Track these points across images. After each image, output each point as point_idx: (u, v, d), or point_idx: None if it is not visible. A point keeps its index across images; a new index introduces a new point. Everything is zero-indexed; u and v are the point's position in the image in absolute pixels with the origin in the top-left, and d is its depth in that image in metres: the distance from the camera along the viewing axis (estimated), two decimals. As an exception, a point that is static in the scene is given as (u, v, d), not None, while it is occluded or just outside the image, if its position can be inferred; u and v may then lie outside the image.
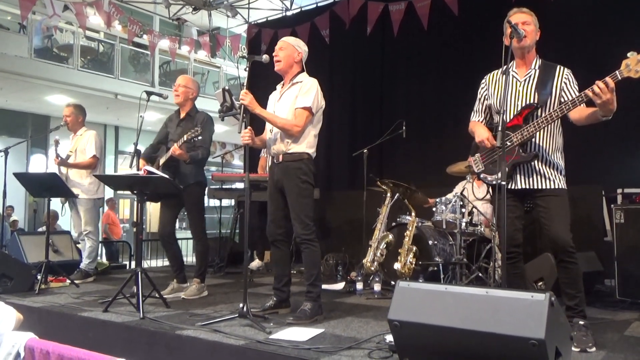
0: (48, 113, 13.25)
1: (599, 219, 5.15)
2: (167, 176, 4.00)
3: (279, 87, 3.89)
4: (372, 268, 4.81)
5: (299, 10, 8.60)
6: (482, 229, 4.97)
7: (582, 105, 2.93)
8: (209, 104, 11.41)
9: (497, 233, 4.22)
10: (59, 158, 5.49)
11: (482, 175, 3.35)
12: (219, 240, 6.96)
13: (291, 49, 3.74)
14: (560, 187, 3.09)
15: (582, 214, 4.98)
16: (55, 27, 10.47)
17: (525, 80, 3.17)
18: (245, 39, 9.56)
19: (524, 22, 3.09)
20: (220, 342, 2.96)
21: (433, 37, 6.70)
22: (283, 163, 3.67)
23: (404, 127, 5.87)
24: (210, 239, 7.81)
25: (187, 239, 6.61)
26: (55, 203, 5.66)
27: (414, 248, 4.72)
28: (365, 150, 6.00)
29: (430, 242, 4.83)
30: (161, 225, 4.68)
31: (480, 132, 3.24)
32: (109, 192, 10.39)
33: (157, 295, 4.00)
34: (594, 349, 2.85)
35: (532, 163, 3.10)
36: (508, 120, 3.12)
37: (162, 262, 9.55)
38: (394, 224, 5.16)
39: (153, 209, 13.84)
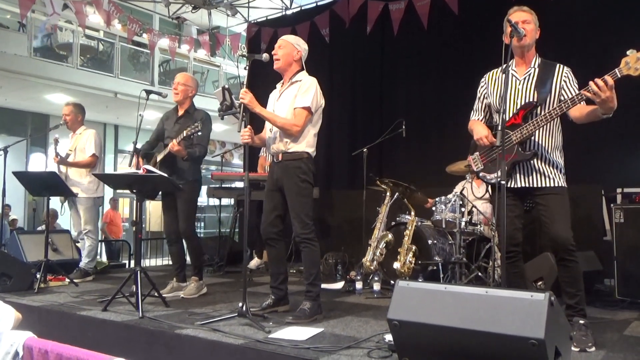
0: (47, 112, 13.24)
1: (598, 218, 5.15)
2: (166, 175, 3.99)
3: (278, 85, 3.89)
4: (372, 267, 4.81)
5: (298, 9, 8.60)
6: (481, 229, 4.97)
7: (581, 103, 2.93)
8: (208, 103, 11.40)
9: (496, 232, 4.22)
10: (59, 157, 5.48)
11: (481, 174, 3.35)
12: (219, 239, 6.95)
13: (290, 47, 3.73)
14: (560, 185, 3.09)
15: (582, 213, 4.98)
16: (55, 26, 10.44)
17: (524, 78, 3.16)
18: (245, 37, 9.55)
19: (524, 21, 3.08)
20: (219, 342, 2.96)
21: (433, 36, 6.69)
22: (282, 162, 3.67)
23: (403, 127, 5.86)
24: (209, 238, 7.86)
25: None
26: (55, 202, 5.65)
27: (414, 247, 4.72)
28: (365, 150, 5.99)
29: (429, 242, 4.83)
30: (166, 224, 4.67)
31: (478, 130, 3.24)
32: (109, 192, 10.40)
33: (156, 294, 4.00)
34: (593, 348, 2.85)
35: (532, 161, 3.09)
36: (507, 119, 3.12)
37: (162, 261, 9.57)
38: (393, 223, 5.16)
39: (153, 208, 13.87)
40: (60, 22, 11.28)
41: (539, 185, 3.09)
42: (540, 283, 4.37)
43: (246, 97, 3.48)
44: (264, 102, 3.75)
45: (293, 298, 3.91)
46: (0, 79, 10.84)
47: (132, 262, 6.55)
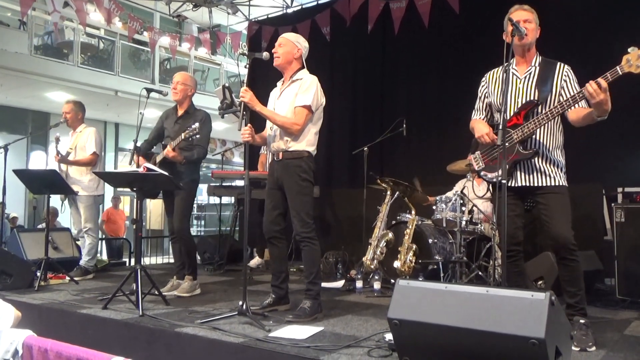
0: (48, 110, 13.23)
1: (599, 217, 5.15)
2: (166, 173, 3.99)
3: (279, 84, 3.88)
4: (372, 266, 4.81)
5: (299, 7, 8.59)
6: (482, 228, 4.97)
7: (578, 105, 2.93)
8: (209, 101, 11.39)
9: (497, 231, 4.22)
10: (59, 155, 5.48)
11: (482, 173, 3.34)
12: (219, 237, 6.95)
13: (290, 45, 3.72)
14: (560, 184, 3.09)
15: (582, 212, 4.97)
16: (56, 24, 10.43)
17: (525, 77, 3.16)
18: (245, 36, 9.55)
19: (525, 20, 3.08)
20: (219, 340, 2.96)
21: (434, 35, 6.68)
22: (283, 161, 3.66)
23: (404, 125, 5.86)
24: (210, 236, 7.85)
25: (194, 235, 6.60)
26: (55, 200, 5.65)
27: (414, 246, 4.71)
28: (365, 148, 5.99)
29: (430, 241, 4.83)
30: (170, 223, 4.67)
31: (479, 128, 3.23)
32: (110, 190, 10.40)
33: (156, 292, 4.00)
34: (594, 348, 2.84)
35: (533, 160, 3.09)
36: (508, 118, 3.11)
37: (162, 260, 9.57)
38: (394, 222, 5.16)
39: (153, 207, 13.87)
40: (50, 17, 11.26)
41: (540, 184, 3.08)
42: (540, 282, 4.36)
43: (246, 95, 3.48)
44: (264, 101, 3.75)
45: (293, 297, 3.91)
46: (0, 77, 10.84)
47: (132, 260, 6.55)
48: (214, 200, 7.24)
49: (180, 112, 4.65)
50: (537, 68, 3.16)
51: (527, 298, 2.05)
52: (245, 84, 3.59)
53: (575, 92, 2.97)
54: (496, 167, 3.13)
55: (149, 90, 4.61)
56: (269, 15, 8.93)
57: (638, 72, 2.68)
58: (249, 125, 3.55)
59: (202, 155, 4.54)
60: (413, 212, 4.91)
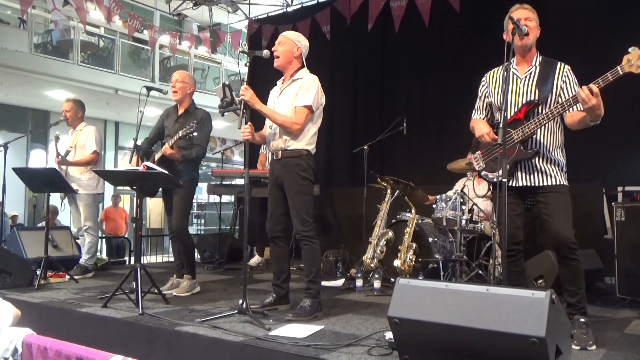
0: (48, 108, 13.23)
1: (599, 216, 5.15)
2: (166, 172, 3.98)
3: (279, 82, 3.87)
4: (372, 265, 4.80)
5: (299, 6, 8.59)
6: (482, 227, 4.96)
7: (574, 108, 2.92)
8: (209, 100, 11.39)
9: (497, 230, 4.22)
10: (59, 157, 5.47)
11: (482, 173, 3.34)
12: (219, 236, 6.95)
13: (290, 44, 3.71)
14: (561, 183, 3.08)
15: (583, 211, 4.97)
16: (56, 22, 10.42)
17: (525, 77, 3.15)
18: (245, 34, 9.54)
19: (526, 18, 3.07)
20: (219, 339, 2.96)
21: (434, 34, 6.68)
22: (282, 160, 3.66)
23: (404, 124, 5.86)
24: (210, 235, 7.85)
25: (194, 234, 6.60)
26: (55, 198, 5.65)
27: (414, 245, 4.71)
28: (365, 147, 5.98)
29: (430, 239, 4.83)
30: (170, 222, 4.67)
31: (480, 127, 3.23)
32: (109, 188, 10.39)
33: (156, 291, 4.00)
34: (594, 347, 2.84)
35: (533, 160, 3.09)
36: (509, 117, 3.11)
37: (162, 258, 9.57)
38: (394, 220, 5.16)
39: (153, 205, 13.87)
40: (56, 17, 11.26)
41: (541, 184, 3.08)
42: (540, 281, 4.36)
43: (247, 93, 3.47)
44: (264, 99, 3.74)
45: (293, 295, 3.90)
46: (0, 75, 10.83)
47: (132, 258, 6.55)
48: (214, 198, 7.23)
49: (180, 110, 4.65)
50: (538, 68, 3.15)
51: (528, 297, 2.05)
52: (245, 83, 3.59)
53: (573, 94, 2.96)
54: (497, 166, 3.13)
55: (149, 89, 4.61)
56: (269, 14, 8.92)
57: (639, 72, 2.67)
58: (249, 123, 3.54)
59: (200, 154, 4.53)
60: (413, 210, 4.91)
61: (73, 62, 11.96)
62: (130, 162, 4.52)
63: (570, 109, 2.96)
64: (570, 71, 3.11)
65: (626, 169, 5.31)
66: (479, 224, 4.97)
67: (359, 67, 7.62)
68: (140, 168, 4.20)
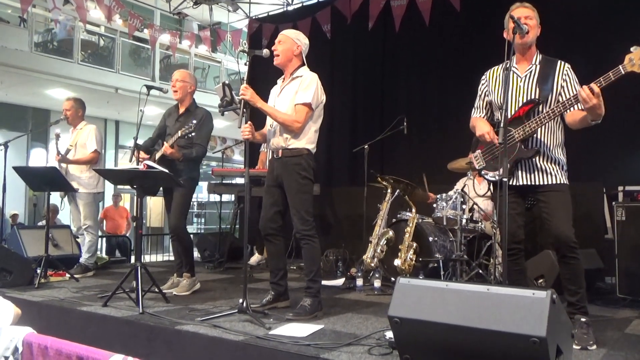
0: (48, 107, 13.24)
1: (599, 216, 5.15)
2: (166, 170, 3.98)
3: (279, 81, 3.87)
4: (372, 264, 4.80)
5: (300, 5, 8.59)
6: (482, 226, 4.96)
7: (574, 107, 2.92)
8: (209, 99, 11.39)
9: (498, 229, 4.21)
10: (60, 155, 5.47)
11: (483, 172, 3.34)
12: (219, 235, 6.95)
13: (290, 42, 3.71)
14: (561, 182, 3.08)
15: (583, 211, 4.97)
16: (56, 21, 10.43)
17: (526, 76, 3.15)
18: (246, 33, 9.53)
19: (526, 17, 3.07)
20: (219, 338, 2.95)
21: (434, 33, 6.67)
22: (282, 158, 3.66)
23: (405, 123, 5.85)
24: (210, 234, 7.85)
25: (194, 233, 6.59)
26: (55, 197, 5.65)
27: (414, 244, 4.71)
28: (366, 146, 5.98)
29: (430, 239, 4.83)
30: (169, 220, 4.68)
31: (481, 126, 3.23)
32: (110, 187, 10.39)
33: (156, 290, 4.00)
34: (594, 346, 2.84)
35: (534, 159, 3.08)
36: (509, 116, 3.11)
37: (162, 257, 9.58)
38: (394, 220, 5.15)
39: (153, 204, 13.87)
40: (61, 17, 11.25)
41: (541, 183, 3.08)
42: (541, 281, 4.36)
43: (247, 92, 3.47)
44: (264, 98, 3.74)
45: (293, 294, 3.90)
46: (0, 74, 10.83)
47: (133, 257, 6.56)
48: (215, 197, 7.22)
49: (181, 110, 4.65)
50: (538, 66, 3.15)
51: (529, 296, 2.04)
52: (245, 82, 3.58)
53: (574, 93, 2.96)
54: (497, 165, 3.13)
55: (149, 88, 4.61)
56: (270, 13, 8.92)
57: None
58: (249, 122, 3.54)
59: (201, 153, 4.52)
60: (413, 210, 4.91)
61: (73, 61, 11.96)
62: (130, 160, 4.51)
63: (571, 108, 2.95)
64: (570, 69, 3.11)
65: (627, 169, 5.31)
66: (480, 223, 4.97)
67: (359, 66, 7.61)
68: (141, 167, 4.20)
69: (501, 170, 2.77)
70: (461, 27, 6.48)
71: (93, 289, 4.60)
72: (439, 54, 6.77)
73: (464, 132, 3.63)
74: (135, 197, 4.26)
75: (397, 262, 4.64)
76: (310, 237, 3.59)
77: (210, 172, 6.82)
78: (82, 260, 5.53)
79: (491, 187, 3.70)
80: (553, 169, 3.08)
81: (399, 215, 5.16)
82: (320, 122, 3.77)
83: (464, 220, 4.84)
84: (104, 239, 10.27)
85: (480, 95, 3.40)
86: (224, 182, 6.70)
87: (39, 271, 4.80)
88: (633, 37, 2.92)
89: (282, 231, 3.80)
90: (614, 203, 4.46)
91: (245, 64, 3.74)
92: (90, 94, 11.34)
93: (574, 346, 2.73)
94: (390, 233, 4.87)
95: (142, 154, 4.50)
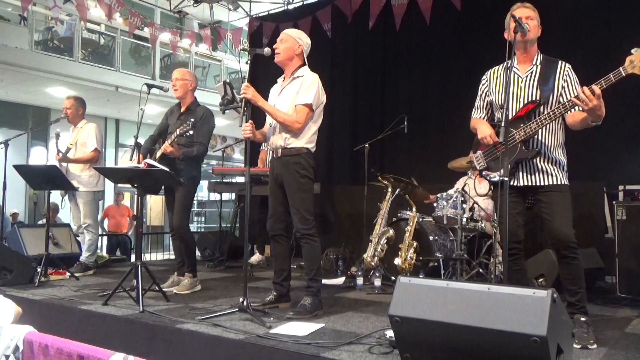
0: (48, 105, 13.24)
1: (600, 215, 5.15)
2: (167, 169, 3.98)
3: (279, 80, 3.86)
4: (373, 263, 4.80)
5: (300, 3, 8.57)
6: (482, 225, 4.96)
7: (575, 109, 2.92)
8: (209, 98, 11.38)
9: (498, 229, 4.21)
10: (60, 154, 5.47)
11: (484, 173, 3.34)
12: (220, 234, 6.95)
13: (292, 41, 3.71)
14: (562, 182, 3.08)
15: (583, 210, 4.98)
16: (56, 19, 10.42)
17: (527, 76, 3.15)
18: (246, 32, 9.53)
19: (527, 17, 3.07)
20: (220, 336, 2.95)
21: (435, 32, 6.67)
22: (282, 158, 3.65)
23: (405, 122, 5.85)
24: (210, 233, 7.85)
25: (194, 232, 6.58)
26: (56, 196, 5.65)
27: (415, 243, 4.71)
28: (366, 145, 5.98)
29: (430, 238, 4.83)
30: (171, 219, 4.67)
31: (482, 128, 3.22)
32: (110, 186, 10.39)
33: (157, 288, 4.00)
34: (595, 345, 2.84)
35: (535, 160, 3.08)
36: (510, 117, 3.10)
37: (162, 256, 9.57)
38: (394, 219, 5.16)
39: (153, 203, 13.86)
40: (61, 15, 11.25)
41: (542, 184, 3.08)
42: (541, 280, 4.36)
43: (248, 91, 3.46)
44: (265, 97, 3.74)
45: (294, 293, 3.90)
46: (1, 73, 10.83)
47: (133, 256, 6.56)
48: (215, 196, 7.22)
49: (183, 108, 4.65)
50: (539, 67, 3.15)
51: (529, 295, 2.04)
52: (246, 80, 3.58)
53: (574, 94, 2.96)
54: (498, 166, 3.13)
55: (149, 86, 4.61)
56: (270, 12, 8.91)
57: None
58: (250, 121, 3.54)
59: (201, 152, 4.52)
60: (414, 209, 4.91)
61: (74, 60, 11.96)
62: (131, 159, 4.51)
63: (572, 109, 2.95)
64: (571, 70, 3.11)
65: (627, 168, 5.31)
66: (480, 222, 4.97)
67: (359, 65, 7.61)
68: (142, 165, 4.20)
69: (502, 170, 2.77)
70: (462, 26, 6.47)
71: (93, 287, 4.60)
72: (439, 53, 6.77)
73: (465, 131, 3.63)
74: (135, 196, 4.25)
75: (397, 261, 4.64)
76: (310, 236, 3.60)
77: (211, 171, 6.82)
78: (82, 258, 5.53)
79: (491, 187, 3.70)
80: (554, 170, 3.08)
81: (399, 214, 5.17)
82: (320, 122, 3.77)
83: (465, 220, 4.84)
84: (105, 237, 10.28)
85: (480, 96, 3.40)
86: (224, 180, 6.70)
87: (39, 270, 4.80)
88: (634, 39, 2.92)
89: (289, 231, 3.80)
90: (614, 202, 4.47)
91: (247, 63, 3.75)
92: (91, 93, 11.34)
93: (575, 345, 2.73)
94: (391, 232, 4.87)
95: (140, 157, 4.50)
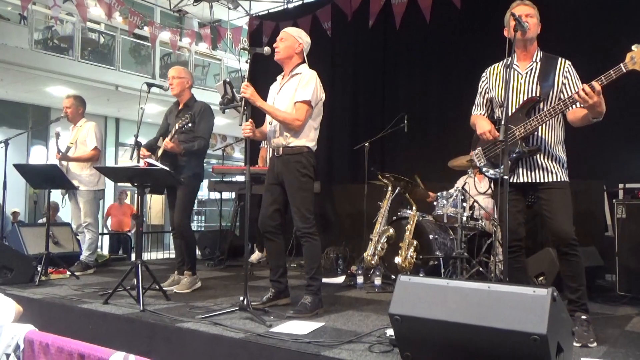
0: (48, 104, 13.23)
1: (600, 213, 5.15)
2: (167, 168, 3.98)
3: (279, 78, 3.87)
4: (373, 262, 4.80)
5: (300, 2, 8.57)
6: (483, 224, 4.96)
7: (576, 105, 2.92)
8: (209, 97, 11.37)
9: (499, 227, 4.21)
10: (60, 153, 5.47)
11: (484, 170, 3.34)
12: (220, 233, 6.95)
13: (292, 40, 3.71)
14: (562, 179, 3.09)
15: (583, 208, 4.97)
16: (56, 19, 10.41)
17: (526, 73, 3.15)
18: (246, 31, 9.52)
19: (527, 14, 3.07)
20: (220, 335, 2.96)
21: (435, 30, 6.66)
22: (283, 157, 3.66)
23: (405, 121, 5.85)
24: (210, 232, 7.86)
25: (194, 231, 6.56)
26: (56, 195, 5.65)
27: (415, 242, 4.71)
28: (366, 144, 5.98)
29: (431, 236, 4.83)
30: (172, 218, 4.67)
31: (482, 124, 3.22)
32: (110, 185, 10.39)
33: (157, 287, 4.00)
34: (595, 344, 2.84)
35: (535, 157, 3.08)
36: (510, 114, 3.10)
37: (162, 255, 9.59)
38: (394, 217, 5.16)
39: (153, 202, 13.86)
40: (61, 14, 11.24)
41: (542, 181, 3.08)
42: (541, 278, 4.37)
43: (247, 91, 3.46)
44: (265, 96, 3.74)
45: (294, 292, 3.91)
46: (1, 72, 10.83)
47: (133, 255, 6.56)
48: (215, 195, 7.21)
49: (181, 105, 4.66)
50: (539, 63, 3.15)
51: (529, 294, 2.05)
52: (246, 79, 3.58)
53: (574, 91, 2.96)
54: (498, 163, 3.13)
55: (149, 85, 4.61)
56: (270, 10, 8.91)
57: None
58: (250, 120, 3.54)
59: (202, 146, 4.51)
60: (414, 207, 4.91)
61: (73, 59, 11.95)
62: (131, 158, 4.51)
63: (573, 106, 2.95)
64: (571, 66, 3.11)
65: (627, 166, 5.31)
66: (480, 221, 4.97)
67: (359, 63, 7.61)
68: (142, 165, 4.20)
69: (502, 167, 2.77)
70: (462, 24, 6.47)
71: (93, 286, 4.61)
72: (439, 51, 6.76)
73: (465, 129, 3.63)
74: (135, 195, 4.26)
75: (397, 259, 4.64)
76: (310, 234, 3.60)
77: (211, 170, 6.83)
78: (82, 257, 5.53)
79: (492, 185, 3.70)
80: (554, 167, 3.08)
81: (399, 213, 5.17)
82: (320, 120, 3.77)
83: (465, 218, 4.84)
84: (108, 236, 10.29)
85: (480, 93, 3.40)
86: (224, 179, 6.70)
87: (39, 269, 4.81)
88: (634, 35, 2.91)
89: (281, 229, 3.80)
90: (614, 200, 4.47)
91: (247, 62, 3.75)
92: (91, 92, 11.33)
93: (575, 343, 2.73)
94: (391, 231, 4.87)
95: (144, 151, 4.49)
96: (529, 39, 3.09)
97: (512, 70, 3.17)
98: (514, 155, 3.06)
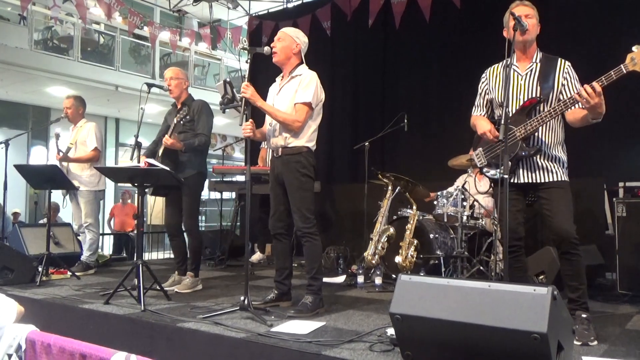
0: (49, 105, 13.22)
1: (600, 212, 5.15)
2: (167, 168, 3.98)
3: (278, 79, 3.87)
4: (373, 261, 4.80)
5: (300, 2, 8.57)
6: (483, 223, 4.97)
7: (575, 106, 2.93)
8: (209, 96, 11.36)
9: (499, 226, 4.22)
10: (60, 154, 5.48)
11: (484, 170, 3.34)
12: (220, 232, 6.95)
13: (289, 40, 3.71)
14: (562, 179, 3.09)
15: (584, 207, 4.97)
16: (56, 19, 10.41)
17: (526, 74, 3.15)
18: (246, 31, 9.52)
19: (526, 15, 3.08)
20: (221, 335, 2.96)
21: (435, 30, 6.66)
22: (283, 157, 3.66)
23: (405, 120, 5.85)
24: (211, 232, 7.86)
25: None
26: (57, 195, 5.65)
27: (415, 241, 4.71)
28: (366, 143, 5.98)
29: (431, 236, 4.83)
30: (167, 218, 4.68)
31: (482, 124, 3.23)
32: (111, 185, 10.39)
33: (158, 287, 4.00)
34: (595, 342, 2.85)
35: (535, 158, 3.09)
36: (510, 114, 3.11)
37: (163, 255, 9.58)
38: (395, 217, 5.16)
39: (155, 202, 13.86)
40: (61, 14, 11.24)
41: (542, 181, 3.08)
42: (541, 277, 4.37)
43: (248, 91, 3.47)
44: (265, 96, 3.74)
45: (295, 292, 3.91)
46: (1, 72, 10.82)
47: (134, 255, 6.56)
48: (215, 195, 7.21)
49: (179, 106, 4.66)
50: (539, 64, 3.15)
51: (530, 293, 2.05)
52: (246, 79, 3.58)
53: (574, 92, 2.96)
54: (498, 163, 3.14)
55: (149, 85, 4.61)
56: (270, 10, 8.91)
57: None
58: (250, 120, 3.54)
59: (203, 142, 4.51)
60: (414, 207, 4.91)
61: (73, 59, 11.95)
62: (131, 159, 4.51)
63: (573, 107, 2.96)
64: (571, 67, 3.12)
65: (627, 165, 5.31)
66: (480, 220, 4.97)
67: (359, 63, 7.61)
68: (142, 165, 4.20)
69: (502, 167, 2.78)
70: (462, 24, 6.47)
71: (94, 286, 4.61)
72: (439, 51, 6.77)
73: (465, 129, 3.63)
74: (136, 196, 4.26)
75: (398, 259, 4.65)
76: (311, 234, 3.60)
77: (211, 170, 6.83)
78: (83, 258, 5.54)
79: (492, 184, 3.70)
80: (554, 167, 3.09)
81: (399, 212, 5.17)
82: (320, 120, 3.77)
83: (465, 217, 4.84)
84: (111, 236, 10.29)
85: (480, 94, 3.41)
86: (224, 179, 6.71)
87: (40, 269, 4.81)
88: (635, 36, 2.92)
89: (290, 230, 3.81)
90: (614, 199, 4.47)
91: (246, 62, 3.75)
92: (91, 92, 11.32)
93: (575, 342, 2.74)
94: (391, 230, 4.87)
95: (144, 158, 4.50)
96: (528, 40, 3.09)
97: (512, 71, 3.17)
98: (515, 155, 3.06)
